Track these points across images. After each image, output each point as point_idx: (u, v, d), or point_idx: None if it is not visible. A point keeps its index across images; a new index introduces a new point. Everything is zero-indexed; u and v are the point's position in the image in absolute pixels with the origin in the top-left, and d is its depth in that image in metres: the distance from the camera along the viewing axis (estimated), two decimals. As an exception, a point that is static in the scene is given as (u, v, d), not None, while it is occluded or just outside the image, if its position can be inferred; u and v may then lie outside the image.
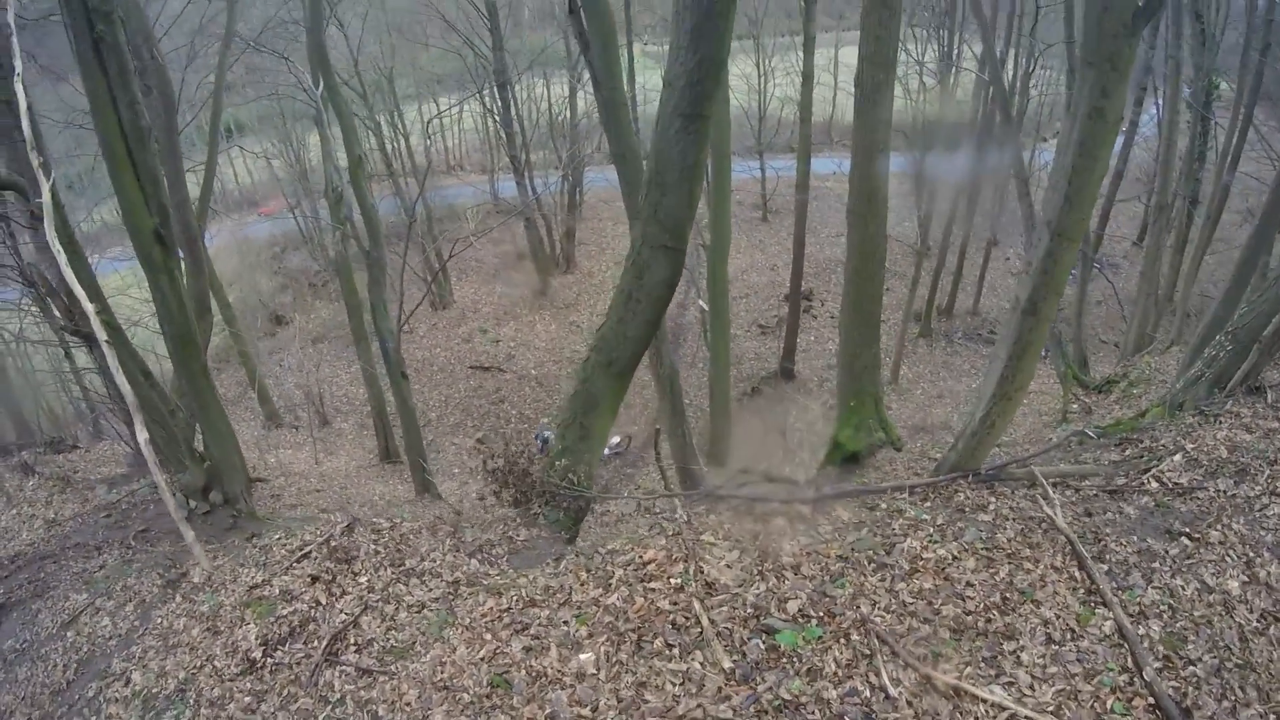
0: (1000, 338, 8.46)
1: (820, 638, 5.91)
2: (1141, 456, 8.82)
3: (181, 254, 14.36)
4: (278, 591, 8.48)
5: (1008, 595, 6.56)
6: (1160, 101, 22.19)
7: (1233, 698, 5.93)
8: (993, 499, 8.09)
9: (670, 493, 10.08)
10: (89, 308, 8.68)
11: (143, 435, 8.98)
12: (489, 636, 6.69)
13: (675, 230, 7.91)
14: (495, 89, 27.69)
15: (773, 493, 8.37)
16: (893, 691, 5.56)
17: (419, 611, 7.77)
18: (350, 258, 20.41)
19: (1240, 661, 6.16)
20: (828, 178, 32.24)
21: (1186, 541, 7.21)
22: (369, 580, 8.52)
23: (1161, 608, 6.58)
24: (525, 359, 28.55)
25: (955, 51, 28.18)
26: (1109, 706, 5.78)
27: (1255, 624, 6.44)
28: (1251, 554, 6.99)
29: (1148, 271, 21.48)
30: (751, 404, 25.40)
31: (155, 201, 9.36)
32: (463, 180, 37.68)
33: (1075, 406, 17.04)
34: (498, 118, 29.46)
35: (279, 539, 9.77)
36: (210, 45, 21.91)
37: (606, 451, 21.32)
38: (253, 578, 8.84)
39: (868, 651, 5.85)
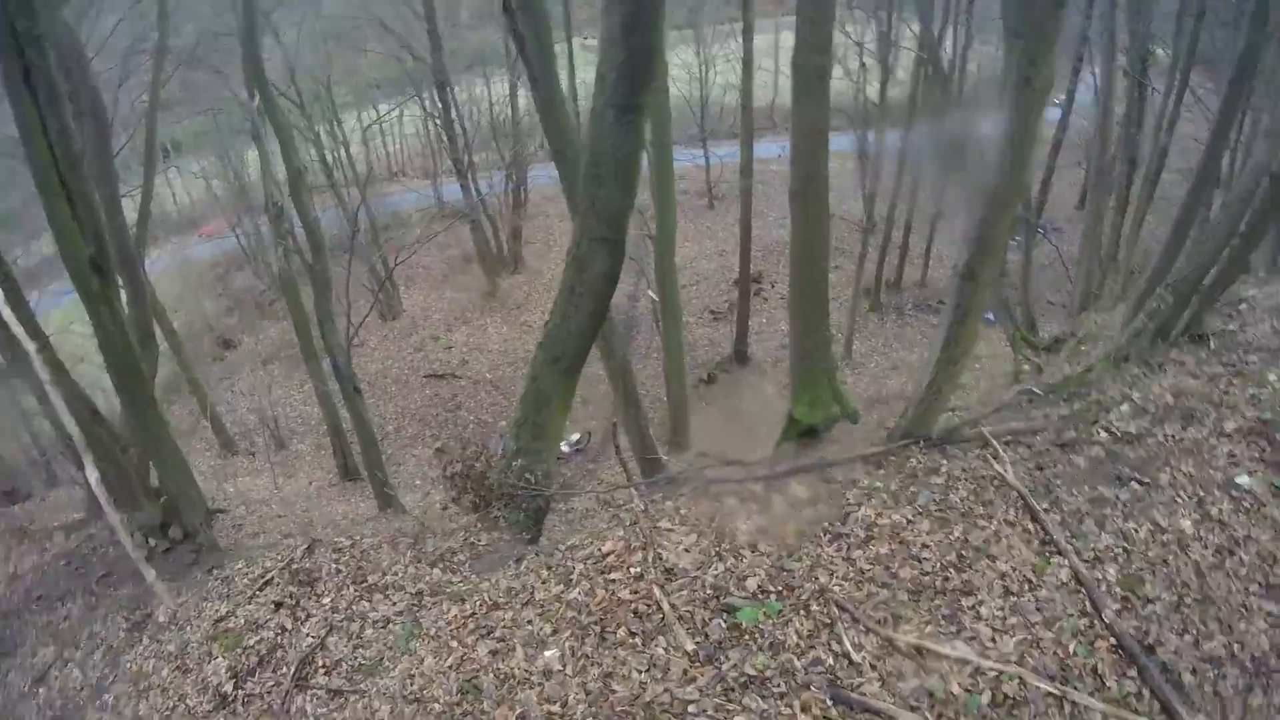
0: (945, 305, 8.59)
1: (780, 611, 5.96)
2: (1089, 409, 9.00)
3: (121, 282, 14.08)
4: (243, 622, 8.42)
5: (963, 553, 6.67)
6: (1097, 70, 22.69)
7: (1194, 631, 6.11)
8: (944, 461, 8.23)
9: (628, 483, 10.05)
10: (30, 347, 8.46)
11: (93, 475, 8.92)
12: (455, 644, 6.66)
13: (614, 222, 7.87)
14: (434, 91, 27.36)
15: (729, 474, 8.41)
16: (856, 657, 5.64)
17: (384, 627, 7.72)
18: (295, 273, 20.04)
19: (1199, 596, 6.33)
20: (771, 161, 32.39)
21: (1137, 486, 7.37)
22: (332, 600, 8.46)
23: (1116, 551, 6.74)
24: (479, 363, 28.29)
25: (894, 31, 28.46)
26: (1071, 650, 5.94)
27: (1211, 559, 6.61)
28: (1202, 493, 7.18)
29: (1089, 233, 21.98)
30: (709, 390, 25.48)
31: (90, 229, 9.14)
32: (406, 186, 37.13)
33: (1027, 367, 17.30)
34: (438, 120, 29.12)
35: (240, 568, 9.70)
36: (144, 64, 21.29)
37: (568, 449, 21.28)
38: (217, 610, 8.76)
39: (828, 620, 5.93)
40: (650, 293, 19.22)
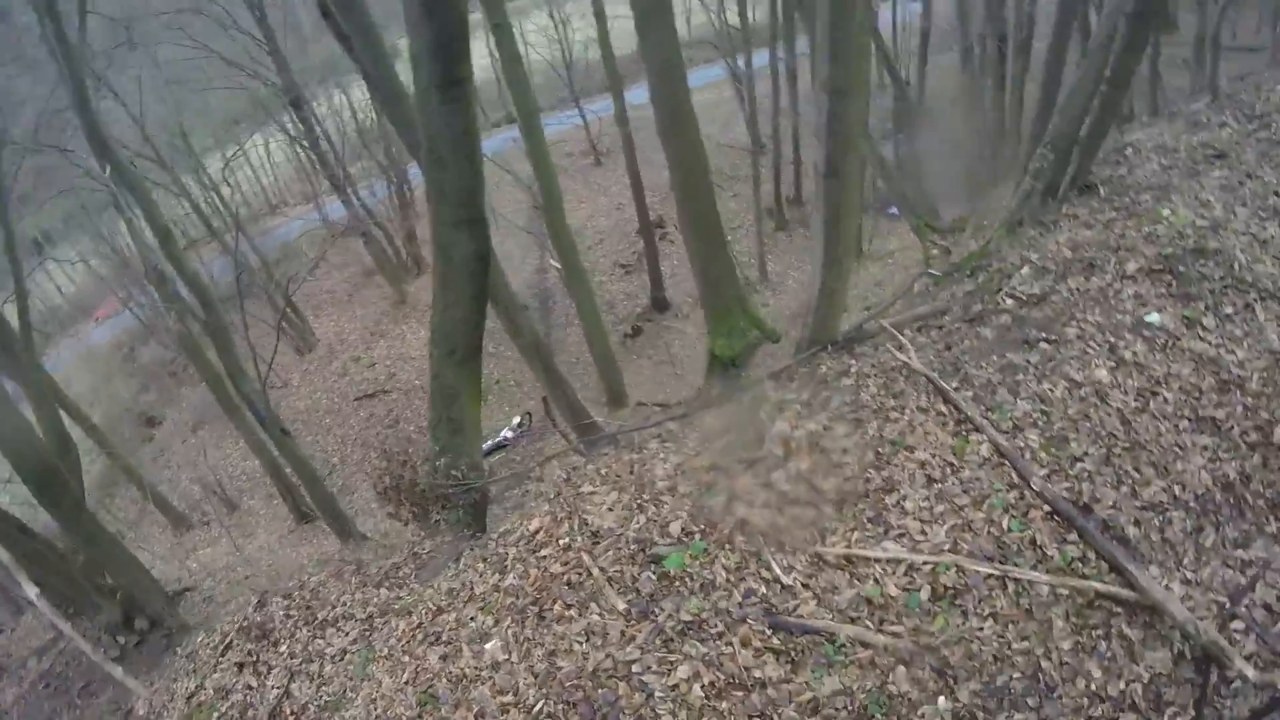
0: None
1: (706, 550, 5.87)
2: (992, 280, 9.00)
3: (19, 391, 13.77)
4: (212, 692, 8.33)
5: (880, 450, 6.58)
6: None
7: (1130, 481, 6.06)
8: (853, 361, 8.18)
9: (569, 449, 9.95)
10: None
11: (32, 590, 9.16)
12: (407, 658, 6.52)
13: (467, 202, 7.64)
14: (291, 112, 26.26)
15: (649, 419, 8.36)
16: (787, 580, 5.57)
17: (341, 659, 7.63)
18: (197, 334, 19.39)
19: (1128, 444, 6.29)
20: (645, 106, 32.03)
21: (1045, 346, 7.32)
22: (289, 647, 8.38)
23: (1035, 416, 6.65)
24: (406, 372, 27.60)
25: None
26: (1006, 527, 5.85)
27: (1134, 404, 6.58)
28: (1113, 339, 7.16)
29: (969, 113, 22.25)
30: (636, 343, 25.36)
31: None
32: (289, 215, 36.00)
33: (935, 252, 17.48)
34: (305, 142, 28.00)
35: (202, 640, 9.61)
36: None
37: (511, 434, 21.18)
38: (188, 688, 8.66)
39: (754, 549, 5.84)
40: (552, 262, 19.03)
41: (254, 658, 8.50)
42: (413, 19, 6.95)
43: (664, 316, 26.06)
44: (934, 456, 6.44)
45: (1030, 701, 5.03)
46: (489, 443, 21.14)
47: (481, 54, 31.29)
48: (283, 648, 8.41)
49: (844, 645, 5.24)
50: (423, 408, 24.92)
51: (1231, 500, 6.05)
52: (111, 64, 22.46)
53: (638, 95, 27.61)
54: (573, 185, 32.31)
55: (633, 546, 5.99)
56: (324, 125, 29.35)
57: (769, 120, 27.42)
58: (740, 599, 5.51)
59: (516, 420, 21.83)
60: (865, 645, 5.23)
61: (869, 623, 5.38)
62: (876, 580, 5.57)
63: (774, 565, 5.66)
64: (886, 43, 24.73)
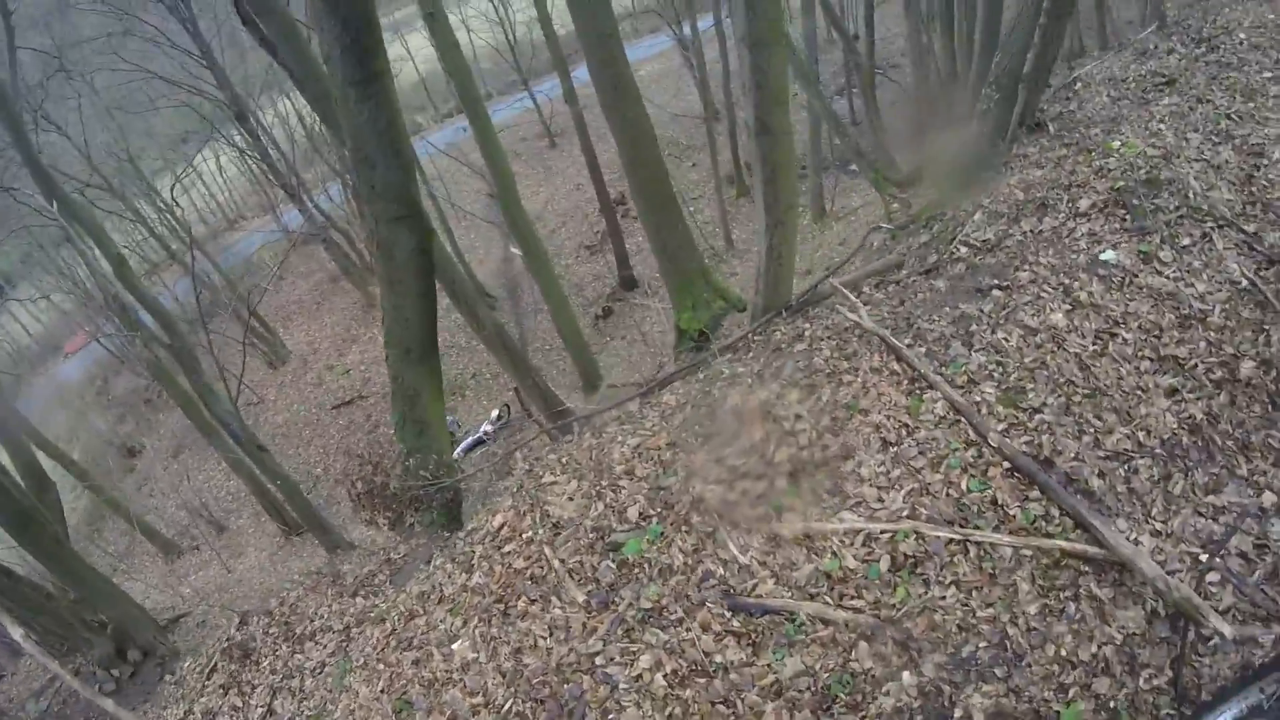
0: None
1: (662, 533, 5.77)
2: (946, 229, 8.82)
3: None
4: (200, 716, 8.33)
5: (835, 415, 6.37)
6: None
7: (1092, 430, 5.82)
8: (807, 325, 8.00)
9: (510, 449, 9.86)
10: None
11: (16, 632, 9.03)
12: (382, 666, 6.48)
13: (400, 197, 7.50)
14: (237, 124, 25.74)
15: (610, 401, 8.25)
16: (744, 559, 5.45)
17: (320, 673, 7.59)
18: (165, 359, 19.13)
19: (1087, 390, 6.05)
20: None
21: (998, 293, 7.08)
22: (270, 664, 8.37)
23: (990, 368, 6.41)
24: (381, 376, 26.61)
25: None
26: (965, 487, 5.65)
27: (1092, 347, 6.35)
28: (1068, 280, 6.94)
29: (917, 61, 22.04)
30: (608, 323, 25.12)
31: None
32: (248, 229, 35.48)
33: (896, 205, 17.37)
34: (256, 154, 27.42)
35: (189, 665, 9.66)
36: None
37: (491, 428, 21.06)
38: (177, 715, 8.67)
39: (709, 529, 5.71)
40: (513, 249, 18.79)
41: (237, 678, 8.50)
42: (319, 16, 6.80)
43: (634, 294, 25.60)
44: (888, 418, 6.22)
45: (998, 671, 4.85)
46: (469, 439, 21.02)
47: (426, 45, 30.83)
48: (264, 665, 8.41)
49: (804, 624, 5.12)
50: (401, 411, 24.83)
51: (1199, 443, 5.78)
52: (48, 96, 22.00)
53: (584, 74, 27.30)
54: (529, 169, 31.97)
55: (591, 535, 5.91)
56: (272, 133, 28.71)
57: (721, 86, 27.10)
58: (699, 582, 5.41)
59: (495, 413, 21.70)
60: (826, 622, 5.10)
61: (829, 598, 5.23)
62: (834, 553, 5.40)
63: (730, 545, 5.54)
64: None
